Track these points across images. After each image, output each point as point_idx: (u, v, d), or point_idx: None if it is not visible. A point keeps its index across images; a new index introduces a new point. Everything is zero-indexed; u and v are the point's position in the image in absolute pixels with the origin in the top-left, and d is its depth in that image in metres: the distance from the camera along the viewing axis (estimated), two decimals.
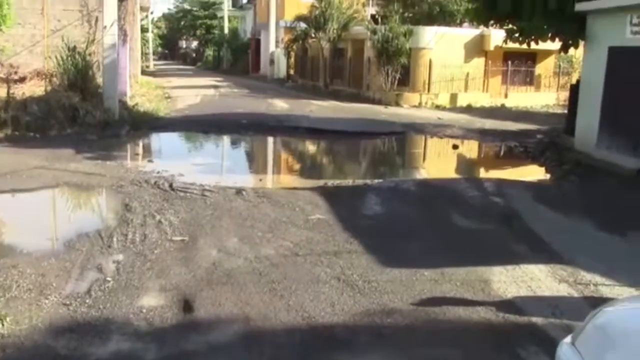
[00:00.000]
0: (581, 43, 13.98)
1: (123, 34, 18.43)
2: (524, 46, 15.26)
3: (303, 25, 33.52)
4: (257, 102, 23.81)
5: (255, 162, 14.59)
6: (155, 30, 73.39)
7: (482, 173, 13.45)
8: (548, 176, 12.34)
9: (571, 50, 21.05)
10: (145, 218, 7.74)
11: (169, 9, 78.95)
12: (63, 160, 11.49)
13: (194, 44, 79.65)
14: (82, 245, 6.61)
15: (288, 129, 17.20)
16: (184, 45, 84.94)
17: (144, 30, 56.79)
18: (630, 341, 2.79)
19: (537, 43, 14.46)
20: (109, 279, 5.72)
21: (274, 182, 11.13)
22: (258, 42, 46.26)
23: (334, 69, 32.29)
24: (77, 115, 14.98)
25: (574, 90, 14.38)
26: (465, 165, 14.48)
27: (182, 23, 75.33)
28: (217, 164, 12.36)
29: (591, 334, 3.05)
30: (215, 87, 32.61)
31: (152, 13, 63.59)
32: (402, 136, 17.51)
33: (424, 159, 15.70)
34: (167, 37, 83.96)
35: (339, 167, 13.70)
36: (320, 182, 10.45)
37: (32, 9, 25.50)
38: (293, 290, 5.51)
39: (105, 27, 15.92)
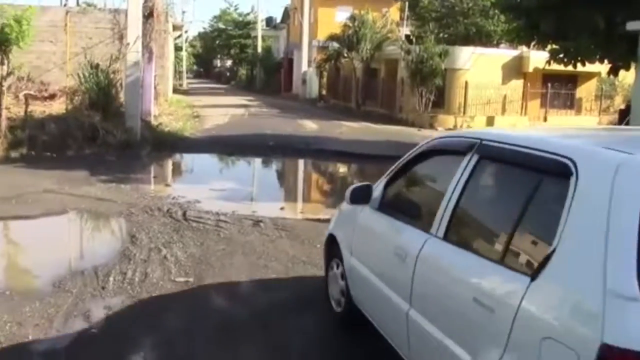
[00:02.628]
0: (633, 65, 12.93)
1: (148, 51, 17.93)
2: (568, 68, 14.26)
3: (336, 44, 32.95)
4: (286, 123, 23.13)
5: (278, 188, 13.81)
6: (190, 49, 73.80)
7: None
8: None
9: None
10: (150, 252, 7.00)
11: (204, 28, 79.28)
12: (75, 183, 10.88)
13: (229, 62, 79.84)
14: (74, 286, 5.87)
15: (316, 151, 16.44)
16: (219, 64, 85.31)
17: (177, 48, 57.04)
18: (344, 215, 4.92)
19: (583, 64, 13.46)
20: (94, 330, 4.95)
21: (296, 212, 10.28)
22: (291, 61, 45.86)
23: (366, 89, 31.54)
24: (97, 135, 14.44)
25: (623, 114, 13.32)
26: None
27: (217, 42, 75.53)
28: (237, 190, 11.59)
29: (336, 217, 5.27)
30: (245, 106, 32.11)
31: (186, 32, 64.00)
32: None
33: None
34: (203, 56, 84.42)
35: None
36: None
37: (62, 27, 25.38)
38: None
39: (128, 44, 15.41)
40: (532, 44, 15.25)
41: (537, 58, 26.73)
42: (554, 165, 2.77)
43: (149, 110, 18.21)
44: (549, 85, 27.04)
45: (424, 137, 21.00)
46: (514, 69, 26.71)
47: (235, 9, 70.99)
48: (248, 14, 68.70)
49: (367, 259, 4.36)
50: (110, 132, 14.66)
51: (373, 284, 4.09)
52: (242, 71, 64.51)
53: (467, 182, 3.35)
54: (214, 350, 4.67)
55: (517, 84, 26.86)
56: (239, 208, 9.47)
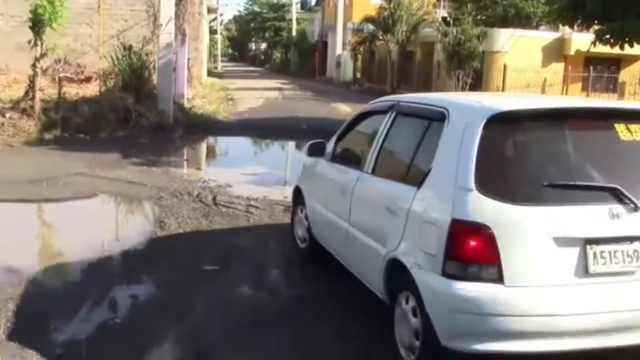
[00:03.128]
0: None
1: (181, 33, 17.76)
2: (612, 50, 13.64)
3: (371, 27, 32.44)
4: (320, 106, 22.85)
5: None
6: (225, 32, 73.78)
7: None
8: None
9: None
10: (178, 239, 6.83)
11: (239, 11, 79.28)
12: (106, 165, 10.80)
13: (263, 46, 79.69)
14: (101, 273, 5.73)
15: None
16: (253, 47, 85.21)
17: (212, 32, 57.00)
18: (307, 169, 6.19)
19: (631, 46, 12.84)
20: (118, 320, 4.78)
21: None
22: (325, 44, 45.46)
23: (401, 72, 31.02)
24: (130, 118, 14.36)
25: None
26: None
27: (252, 25, 75.39)
28: (269, 174, 11.37)
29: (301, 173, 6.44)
30: (279, 89, 31.90)
31: (221, 15, 63.82)
32: None
33: None
34: (237, 39, 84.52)
35: None
36: None
37: (98, 9, 25.35)
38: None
39: (160, 25, 15.25)
40: (576, 25, 14.61)
41: (580, 40, 25.87)
42: (437, 113, 4.08)
43: (182, 92, 18.09)
44: (591, 68, 26.18)
45: None
46: (555, 52, 25.97)
47: None
48: None
49: (323, 199, 5.62)
50: (143, 115, 14.56)
51: (326, 217, 5.40)
52: (277, 54, 64.26)
53: (388, 131, 4.66)
54: (238, 345, 4.46)
55: (558, 67, 26.07)
56: (270, 193, 9.24)
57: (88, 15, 24.46)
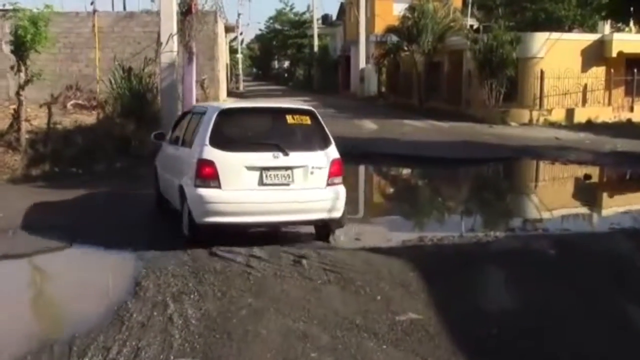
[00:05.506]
0: None
1: (188, 51, 16.26)
2: None
3: (394, 37, 30.83)
4: (343, 124, 21.12)
5: None
6: (246, 51, 72.73)
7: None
8: None
9: None
10: (152, 311, 5.20)
11: (260, 30, 78.15)
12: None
13: (286, 63, 78.51)
14: None
15: (375, 156, 14.52)
16: (276, 65, 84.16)
17: (233, 51, 55.96)
18: (159, 154, 9.38)
19: None
20: None
21: (348, 238, 8.10)
22: (348, 59, 43.93)
23: (428, 84, 29.25)
24: (129, 146, 12.91)
25: None
26: (611, 207, 11.06)
27: (274, 43, 74.38)
28: None
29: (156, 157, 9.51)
30: None
31: (241, 34, 62.75)
32: (515, 163, 14.37)
33: (548, 196, 12.25)
34: (260, 57, 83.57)
35: (437, 210, 10.80)
36: (414, 236, 7.74)
37: (110, 32, 24.19)
38: None
39: (161, 43, 13.80)
40: (631, 22, 12.84)
41: (621, 41, 24.02)
42: (202, 110, 7.99)
43: None
44: (635, 70, 24.19)
45: (496, 134, 18.80)
46: (595, 55, 23.98)
47: (291, 9, 69.71)
48: (304, 13, 67.25)
49: (165, 167, 8.74)
50: (144, 142, 13.08)
51: (165, 176, 8.65)
52: (299, 71, 62.91)
53: (188, 122, 8.35)
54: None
55: (599, 71, 24.11)
56: (278, 235, 7.63)
57: (99, 39, 23.29)
